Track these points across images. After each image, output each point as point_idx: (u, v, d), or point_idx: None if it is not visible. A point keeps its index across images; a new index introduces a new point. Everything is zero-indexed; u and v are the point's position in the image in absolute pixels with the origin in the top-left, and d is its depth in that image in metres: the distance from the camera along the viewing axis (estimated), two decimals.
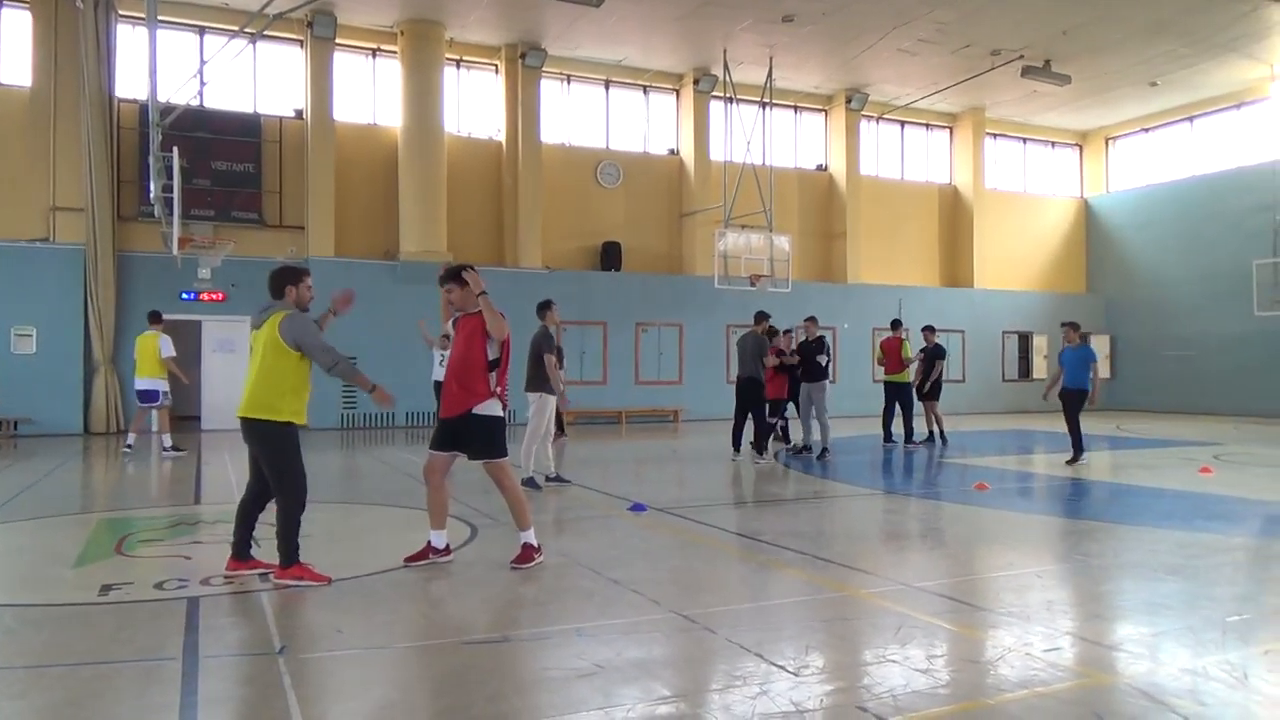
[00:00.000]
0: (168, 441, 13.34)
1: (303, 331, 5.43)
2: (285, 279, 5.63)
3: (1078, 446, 12.02)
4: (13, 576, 5.97)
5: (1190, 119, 25.86)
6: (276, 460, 5.41)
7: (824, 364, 13.05)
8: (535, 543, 5.94)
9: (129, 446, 13.29)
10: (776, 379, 13.48)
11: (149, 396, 13.09)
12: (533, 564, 5.84)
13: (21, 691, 3.68)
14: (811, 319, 13.63)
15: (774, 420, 13.94)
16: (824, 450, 12.73)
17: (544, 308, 9.79)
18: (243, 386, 5.51)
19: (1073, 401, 12.24)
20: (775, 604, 5.16)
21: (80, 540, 6.86)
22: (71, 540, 6.86)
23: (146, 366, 12.96)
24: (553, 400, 9.60)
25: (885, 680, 3.77)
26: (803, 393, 13.25)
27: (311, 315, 5.75)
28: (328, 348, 5.48)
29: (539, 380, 9.49)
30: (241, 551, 5.60)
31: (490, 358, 5.86)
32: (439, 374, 15.01)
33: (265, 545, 5.82)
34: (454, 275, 5.94)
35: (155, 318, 13.36)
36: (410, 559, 5.91)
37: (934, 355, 14.82)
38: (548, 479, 9.74)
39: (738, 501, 9.08)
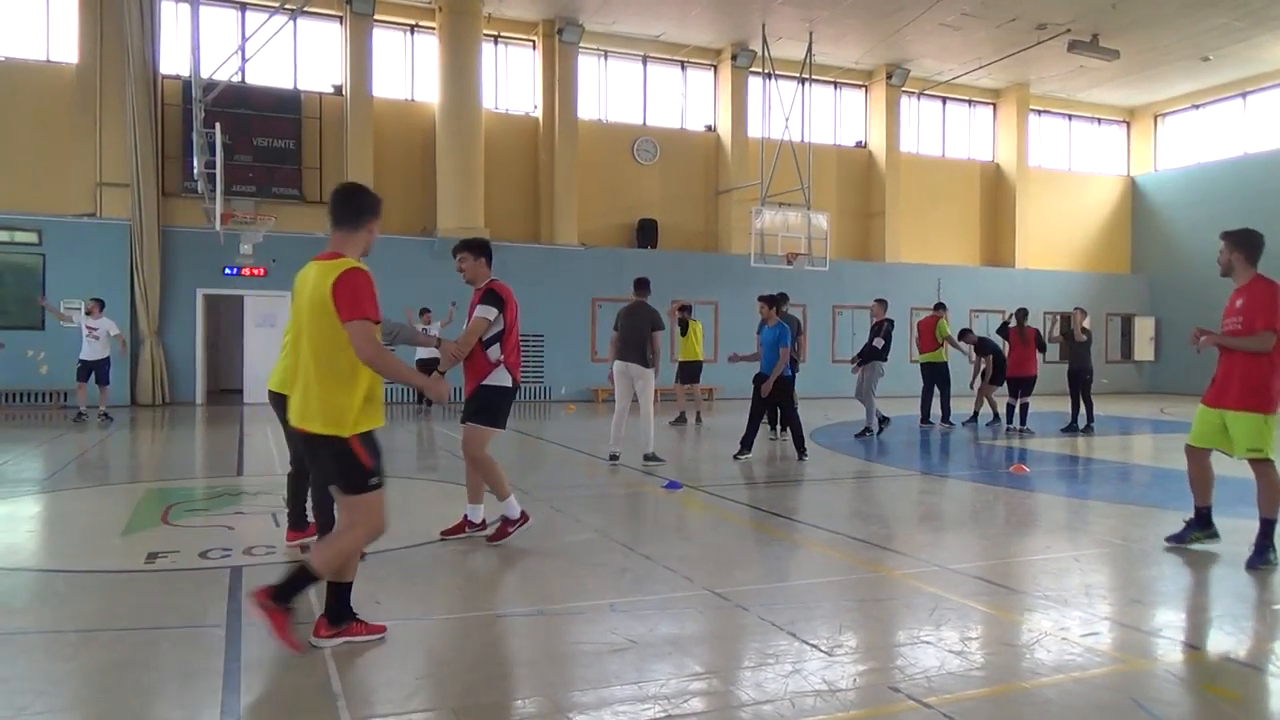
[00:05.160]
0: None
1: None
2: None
3: (748, 441, 10.29)
4: (64, 543, 6.16)
5: (1243, 95, 25.13)
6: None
7: (881, 348, 12.91)
8: (515, 515, 5.86)
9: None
10: (1026, 358, 13.54)
11: None
12: (509, 538, 5.80)
13: (73, 654, 3.81)
14: (880, 301, 13.57)
15: (1022, 400, 13.73)
16: (864, 430, 12.70)
17: (644, 285, 9.94)
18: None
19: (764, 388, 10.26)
20: (809, 583, 5.16)
21: (128, 509, 7.04)
22: (119, 509, 7.04)
23: None
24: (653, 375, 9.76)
25: (919, 661, 3.76)
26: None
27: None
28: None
29: (649, 356, 9.66)
30: (298, 521, 5.67)
31: (492, 334, 5.79)
32: (422, 353, 15.25)
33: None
34: (467, 245, 5.99)
35: None
36: (446, 533, 5.98)
37: (988, 349, 15.05)
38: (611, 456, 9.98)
39: (772, 480, 9.07)
